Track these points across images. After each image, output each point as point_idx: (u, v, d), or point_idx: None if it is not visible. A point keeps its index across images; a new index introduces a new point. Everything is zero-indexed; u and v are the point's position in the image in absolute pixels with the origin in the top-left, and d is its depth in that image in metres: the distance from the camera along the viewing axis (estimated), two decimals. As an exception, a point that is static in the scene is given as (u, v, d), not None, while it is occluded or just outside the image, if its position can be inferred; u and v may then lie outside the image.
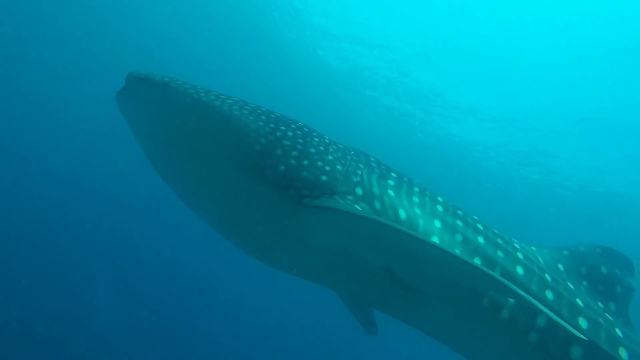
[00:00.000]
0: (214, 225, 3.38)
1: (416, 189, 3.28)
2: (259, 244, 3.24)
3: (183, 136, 3.06)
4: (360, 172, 3.11)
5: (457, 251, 2.97)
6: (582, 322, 3.01)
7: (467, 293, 2.88)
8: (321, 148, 3.09)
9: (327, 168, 2.96)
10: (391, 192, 3.08)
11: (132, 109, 3.28)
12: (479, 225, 3.26)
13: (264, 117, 3.10)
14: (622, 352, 2.98)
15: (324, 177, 2.91)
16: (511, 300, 2.94)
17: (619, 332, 3.12)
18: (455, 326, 3.07)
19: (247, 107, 3.15)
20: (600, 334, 3.01)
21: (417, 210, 3.07)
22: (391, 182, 3.19)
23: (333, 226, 2.80)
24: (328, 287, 3.50)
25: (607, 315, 3.35)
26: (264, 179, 2.85)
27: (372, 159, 3.44)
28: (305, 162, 2.93)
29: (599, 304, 3.47)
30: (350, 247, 2.88)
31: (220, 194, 3.05)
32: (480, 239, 3.12)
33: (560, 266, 3.61)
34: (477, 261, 3.00)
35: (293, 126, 3.18)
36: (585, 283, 3.56)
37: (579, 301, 3.16)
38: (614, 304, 3.53)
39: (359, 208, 2.83)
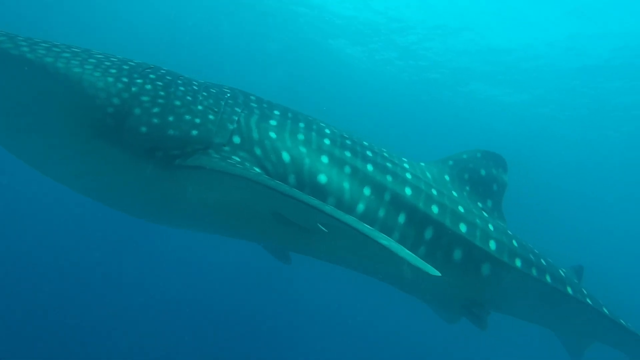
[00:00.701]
0: (86, 193, 3.11)
1: (301, 125, 3.17)
2: (137, 208, 3.10)
3: (12, 105, 2.58)
4: (237, 118, 2.90)
5: (345, 185, 3.04)
6: (462, 227, 3.36)
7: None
8: (188, 98, 2.79)
9: (198, 120, 2.71)
10: (273, 134, 2.96)
11: None
12: (368, 152, 3.31)
13: (113, 71, 2.68)
14: (492, 244, 3.45)
15: (194, 132, 2.67)
16: (401, 221, 3.16)
17: (491, 227, 3.56)
18: (353, 254, 3.26)
19: (91, 61, 2.68)
20: (476, 233, 3.41)
21: (302, 149, 3.01)
22: (273, 123, 3.04)
23: (210, 183, 2.68)
24: (226, 236, 3.55)
25: (484, 213, 3.78)
26: (124, 144, 2.55)
27: (252, 97, 3.23)
28: (171, 118, 2.64)
29: (479, 204, 3.88)
30: (234, 199, 2.82)
31: (78, 165, 2.74)
32: (369, 167, 3.20)
33: (447, 176, 3.88)
34: (366, 190, 3.10)
35: (152, 76, 2.80)
36: (467, 188, 3.91)
37: (460, 208, 3.49)
38: (491, 201, 3.99)
39: (237, 159, 2.69)
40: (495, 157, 4.12)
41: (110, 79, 2.63)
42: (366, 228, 2.10)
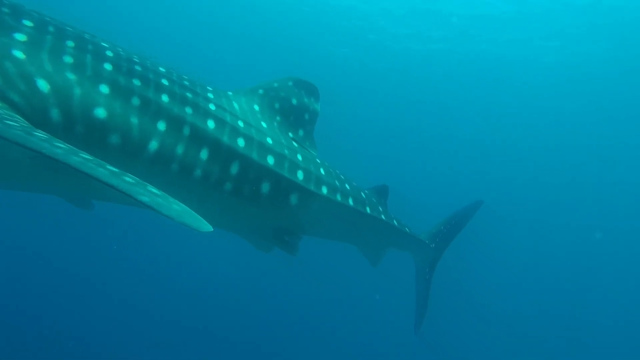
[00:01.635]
0: None
1: (70, 44, 2.53)
2: None
3: None
4: None
5: (133, 120, 2.60)
6: (270, 160, 3.31)
7: (150, 164, 2.70)
8: None
9: None
10: (19, 54, 2.26)
11: None
12: (164, 81, 2.88)
13: None
14: (299, 174, 3.53)
15: None
16: (203, 157, 2.92)
17: (299, 157, 3.62)
18: None
19: None
20: (284, 164, 3.43)
21: (71, 76, 2.41)
22: (20, 37, 2.33)
23: None
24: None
25: (294, 143, 3.80)
26: None
27: None
28: None
29: (290, 134, 3.89)
30: None
31: None
32: (164, 98, 2.80)
33: (256, 107, 3.71)
34: (161, 125, 2.73)
35: None
36: (278, 118, 3.84)
37: (268, 139, 3.40)
38: (303, 130, 4.04)
39: None
40: (308, 85, 4.12)
41: None
42: (123, 183, 1.75)
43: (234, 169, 3.11)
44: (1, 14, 2.36)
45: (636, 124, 22.39)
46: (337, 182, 3.91)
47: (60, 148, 1.80)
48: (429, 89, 24.18)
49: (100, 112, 2.48)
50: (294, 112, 3.96)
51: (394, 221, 4.70)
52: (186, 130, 2.86)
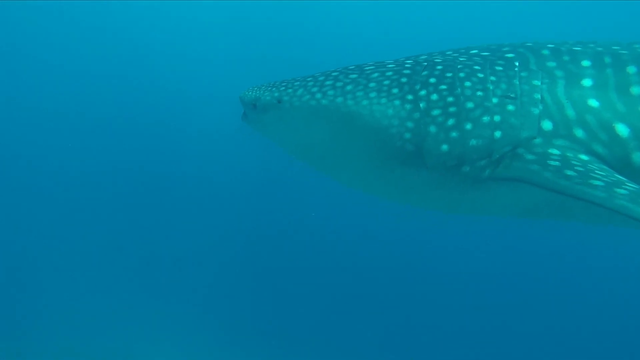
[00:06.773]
0: (395, 202, 2.89)
1: (632, 69, 2.21)
2: (444, 209, 2.83)
3: (323, 148, 2.66)
4: (539, 96, 2.28)
5: None
6: None
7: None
8: (478, 94, 2.28)
9: (497, 118, 2.22)
10: (593, 102, 2.16)
11: (261, 129, 2.97)
12: None
13: (395, 91, 2.40)
14: None
15: (497, 134, 2.20)
16: None
17: None
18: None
19: (372, 86, 2.45)
20: None
21: None
22: (587, 83, 2.21)
23: (528, 191, 2.24)
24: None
25: None
26: (427, 167, 2.32)
27: (545, 53, 2.36)
28: (469, 126, 2.23)
29: None
30: (537, 200, 2.41)
31: (391, 192, 2.70)
32: None
33: None
34: None
35: (432, 81, 2.37)
36: None
37: None
38: None
39: (555, 152, 2.15)
40: None
41: (397, 102, 2.38)
42: None
43: None
44: (565, 65, 2.30)
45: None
46: None
47: None
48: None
49: None
50: None
51: None
52: None
